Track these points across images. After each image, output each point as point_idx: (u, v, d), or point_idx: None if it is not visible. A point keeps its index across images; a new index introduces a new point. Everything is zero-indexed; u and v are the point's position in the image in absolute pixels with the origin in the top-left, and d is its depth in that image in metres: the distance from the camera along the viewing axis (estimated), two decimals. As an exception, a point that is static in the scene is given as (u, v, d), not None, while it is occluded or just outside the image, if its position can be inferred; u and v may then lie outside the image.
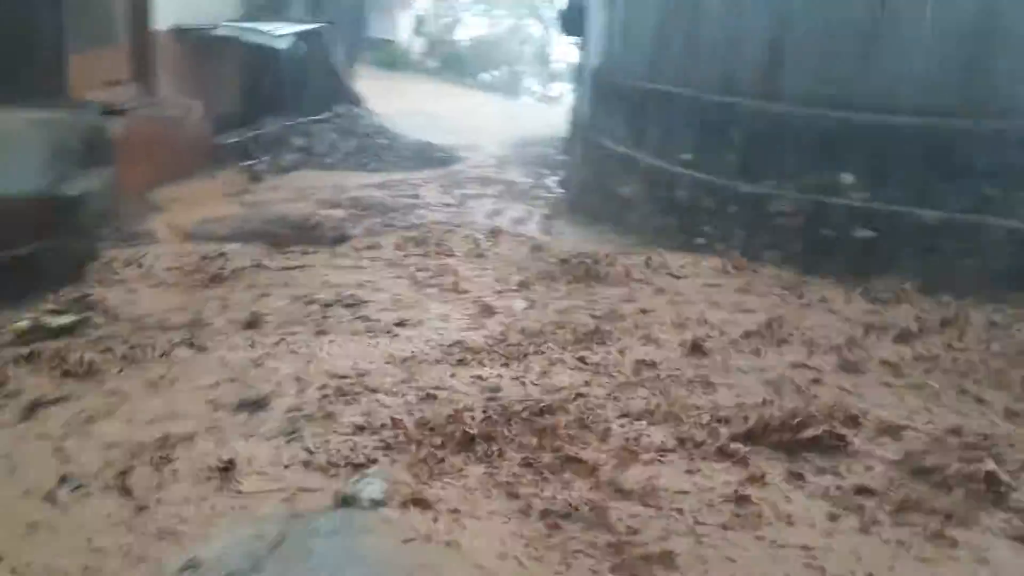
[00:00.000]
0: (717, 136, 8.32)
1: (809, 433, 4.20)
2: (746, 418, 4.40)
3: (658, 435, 4.27)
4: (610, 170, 9.79)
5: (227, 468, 3.81)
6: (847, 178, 7.58)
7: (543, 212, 10.55)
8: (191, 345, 5.39)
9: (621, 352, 5.44)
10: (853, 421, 4.48)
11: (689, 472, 3.93)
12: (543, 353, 5.43)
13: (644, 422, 4.42)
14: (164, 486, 3.65)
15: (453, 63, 31.71)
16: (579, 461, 3.96)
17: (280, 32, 12.28)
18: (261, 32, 12.03)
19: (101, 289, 6.62)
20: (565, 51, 36.83)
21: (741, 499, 3.67)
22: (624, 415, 4.50)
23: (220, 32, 11.77)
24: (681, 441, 4.22)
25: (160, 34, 10.44)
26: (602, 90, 10.52)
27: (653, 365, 5.23)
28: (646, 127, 9.27)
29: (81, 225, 7.56)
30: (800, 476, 3.94)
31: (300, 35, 13.65)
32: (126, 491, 3.58)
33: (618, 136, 9.81)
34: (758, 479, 3.87)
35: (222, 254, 7.66)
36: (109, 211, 8.14)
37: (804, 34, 7.75)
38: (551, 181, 12.91)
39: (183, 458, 3.89)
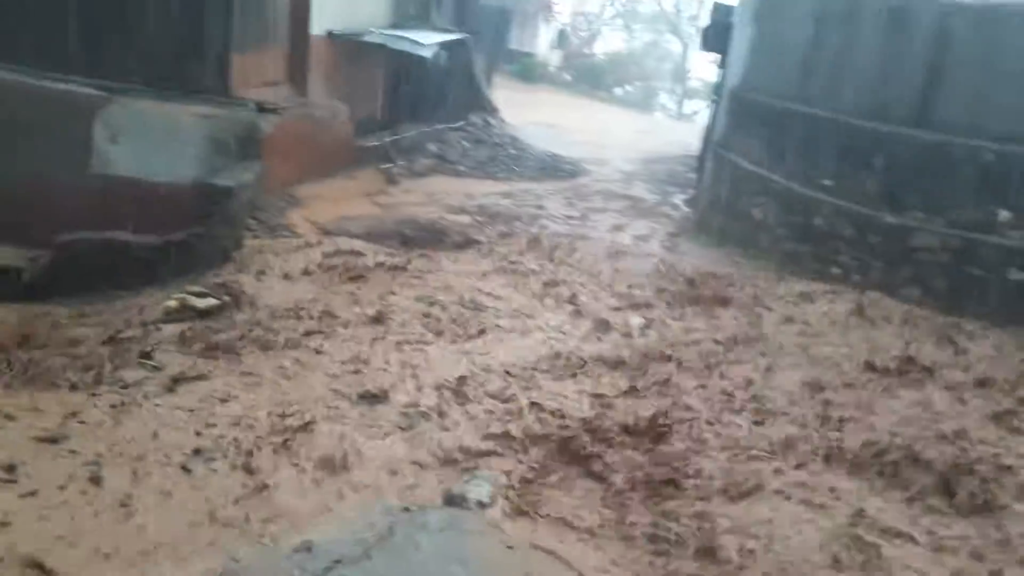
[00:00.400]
0: (861, 162, 7.92)
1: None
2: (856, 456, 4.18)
3: (768, 467, 4.09)
4: (742, 190, 9.51)
5: (344, 457, 3.97)
6: (1004, 215, 7.03)
7: (668, 230, 10.38)
8: (320, 335, 5.65)
9: (742, 380, 5.26)
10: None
11: (806, 504, 3.75)
12: (658, 373, 5.33)
13: (762, 454, 4.25)
14: (285, 468, 3.84)
15: (588, 76, 31.82)
16: (690, 486, 3.86)
17: (425, 40, 12.71)
18: (407, 40, 12.49)
19: (243, 276, 7.05)
20: (703, 68, 36.33)
21: (856, 539, 3.48)
22: (740, 446, 4.35)
23: (369, 38, 12.31)
24: (799, 467, 4.04)
25: (314, 38, 11.04)
26: (740, 109, 10.25)
27: (772, 398, 5.02)
28: (785, 149, 8.95)
29: (230, 215, 8.10)
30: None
31: (444, 44, 14.08)
32: (250, 470, 3.78)
33: (753, 156, 9.52)
34: (866, 516, 3.66)
35: (355, 251, 8.00)
36: (256, 203, 8.68)
37: (963, 62, 7.27)
38: (678, 199, 12.69)
39: (304, 443, 4.07)
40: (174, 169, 8.56)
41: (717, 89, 12.58)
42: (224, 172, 8.47)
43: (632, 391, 5.00)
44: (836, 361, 5.70)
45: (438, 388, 4.85)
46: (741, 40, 10.62)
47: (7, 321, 6.97)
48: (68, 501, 3.36)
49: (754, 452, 4.25)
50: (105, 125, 8.51)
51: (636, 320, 6.49)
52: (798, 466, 4.11)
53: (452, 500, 3.60)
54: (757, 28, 9.98)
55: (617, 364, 5.48)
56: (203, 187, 8.23)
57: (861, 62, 8.14)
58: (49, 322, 6.73)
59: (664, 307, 6.86)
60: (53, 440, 3.85)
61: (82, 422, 4.12)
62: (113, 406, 4.36)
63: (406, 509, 3.54)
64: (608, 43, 40.28)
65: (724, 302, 6.97)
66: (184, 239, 7.93)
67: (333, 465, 3.90)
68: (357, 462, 3.92)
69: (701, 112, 33.74)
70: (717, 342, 5.97)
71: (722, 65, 12.44)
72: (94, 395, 4.61)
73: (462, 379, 5.02)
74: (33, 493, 3.37)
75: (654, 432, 4.40)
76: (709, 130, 12.90)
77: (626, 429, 4.42)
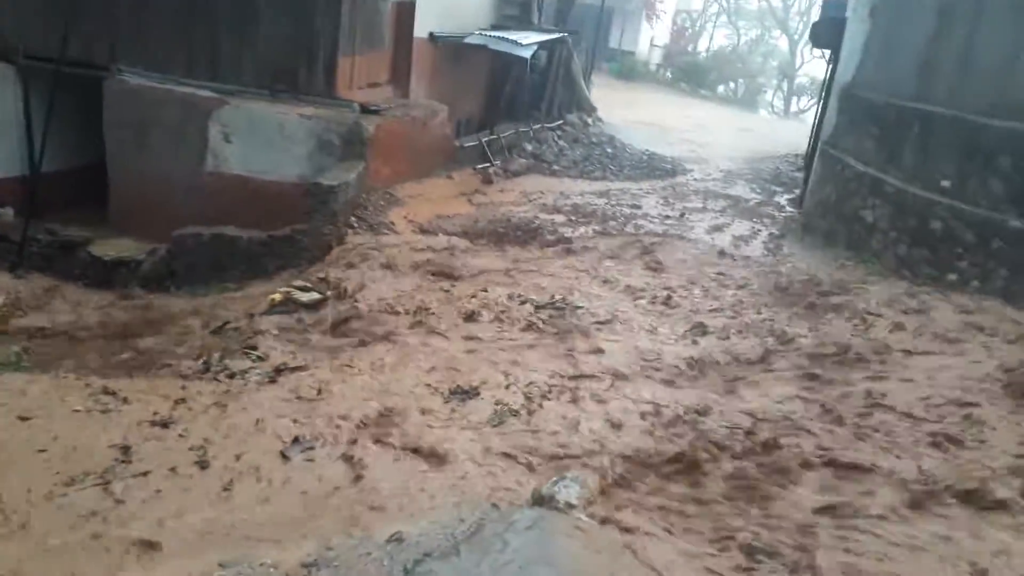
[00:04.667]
0: (985, 163, 7.39)
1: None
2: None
3: (888, 490, 3.84)
4: (852, 191, 9.06)
5: (436, 450, 4.01)
6: None
7: (771, 231, 10.01)
8: (415, 331, 5.75)
9: (848, 389, 4.99)
10: None
11: (908, 535, 3.49)
12: (758, 380, 5.14)
13: (871, 471, 4.01)
14: (379, 460, 3.91)
15: (690, 74, 31.16)
16: (788, 499, 3.69)
17: (525, 41, 12.74)
18: (508, 41, 12.56)
19: (344, 272, 7.25)
20: (811, 65, 34.97)
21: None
22: (839, 463, 4.07)
23: (470, 40, 12.46)
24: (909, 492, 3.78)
25: (417, 41, 11.26)
26: (852, 106, 9.78)
27: (889, 407, 4.69)
28: (900, 148, 8.47)
29: (333, 212, 8.37)
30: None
31: (543, 44, 14.09)
32: (346, 460, 3.87)
33: (865, 156, 9.06)
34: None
35: (450, 249, 8.10)
36: (357, 201, 8.93)
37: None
38: (783, 199, 12.23)
39: (398, 435, 4.14)
40: (281, 167, 8.94)
41: (826, 86, 12.05)
42: (328, 171, 8.77)
43: (730, 396, 4.83)
44: (962, 374, 5.32)
45: (528, 387, 4.83)
46: (855, 35, 10.12)
47: (128, 310, 7.44)
48: (176, 483, 3.53)
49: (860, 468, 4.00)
50: (219, 125, 8.97)
51: (735, 323, 6.28)
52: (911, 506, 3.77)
53: (541, 500, 3.56)
54: (873, 23, 9.48)
55: (714, 368, 5.31)
56: (308, 185, 8.54)
57: (988, 57, 7.60)
58: (164, 312, 7.13)
59: (765, 310, 6.61)
60: (164, 424, 4.06)
61: (191, 408, 4.33)
62: (219, 393, 4.56)
63: (495, 506, 3.53)
64: (712, 40, 39.36)
65: (831, 307, 6.66)
66: (289, 235, 8.26)
67: (425, 458, 3.95)
68: (448, 456, 3.95)
69: (809, 110, 32.54)
70: (822, 348, 5.70)
71: (832, 61, 11.90)
72: (202, 382, 4.84)
73: (553, 378, 5.00)
74: (145, 474, 3.55)
75: (753, 440, 4.23)
76: (817, 128, 12.37)
77: (724, 437, 4.27)
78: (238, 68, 9.35)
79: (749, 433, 4.32)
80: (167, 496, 3.41)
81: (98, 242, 8.76)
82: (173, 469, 3.62)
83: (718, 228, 9.90)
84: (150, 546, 3.05)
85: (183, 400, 4.45)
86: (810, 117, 16.54)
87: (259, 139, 8.90)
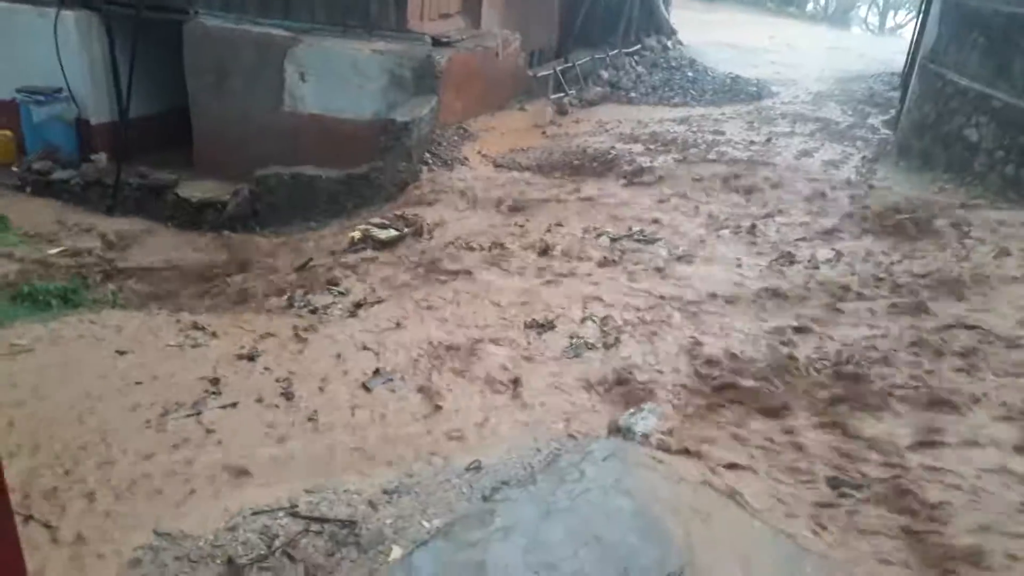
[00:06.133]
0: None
1: None
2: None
3: (968, 425, 3.64)
4: (954, 109, 8.44)
5: (514, 381, 4.02)
6: None
7: (864, 154, 9.48)
8: (491, 266, 5.73)
9: (950, 319, 4.70)
10: None
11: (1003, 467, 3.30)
12: (847, 310, 4.92)
13: (958, 405, 3.79)
14: (457, 391, 3.94)
15: (776, -8, 29.41)
16: (876, 431, 3.55)
17: (599, -37, 12.26)
18: (581, -37, 12.12)
19: (420, 208, 7.27)
20: (911, -26, 32.40)
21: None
22: (940, 400, 3.84)
23: (541, -35, 12.07)
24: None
25: (487, -32, 10.96)
26: (955, 16, 9.03)
27: (988, 340, 4.41)
28: (1009, 59, 7.79)
29: (408, 149, 8.36)
30: None
31: (618, -35, 13.52)
32: (425, 391, 3.92)
33: (969, 70, 8.39)
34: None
35: (525, 183, 8.00)
36: (431, 137, 8.88)
37: None
38: (876, 120, 11.53)
39: (475, 368, 4.16)
40: (356, 105, 8.95)
41: (927, -5, 11.15)
42: (402, 107, 8.73)
43: (817, 328, 4.65)
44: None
45: (605, 319, 4.77)
46: (960, -65, 9.28)
47: (217, 249, 7.69)
48: (263, 414, 3.65)
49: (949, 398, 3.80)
50: (295, 65, 9.02)
51: (824, 253, 6.01)
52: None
53: (618, 431, 3.54)
54: (980, -82, 8.66)
55: (800, 299, 5.11)
56: (383, 122, 8.54)
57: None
58: (250, 251, 7.34)
59: (857, 238, 6.30)
60: (251, 357, 4.20)
61: (276, 341, 4.46)
62: (302, 328, 4.67)
63: (571, 436, 3.53)
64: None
65: (928, 232, 6.29)
66: (365, 173, 8.32)
67: (502, 390, 3.97)
68: (525, 389, 3.96)
69: (906, 25, 30.33)
70: (917, 277, 5.40)
71: (934, -33, 10.99)
72: (286, 317, 4.97)
73: (630, 311, 4.91)
74: (234, 405, 3.69)
75: (839, 373, 4.07)
76: (916, 43, 11.53)
77: (810, 369, 4.12)
78: (310, 5, 9.32)
79: (837, 364, 4.16)
80: (255, 426, 3.53)
81: (184, 184, 9.04)
82: (260, 400, 3.75)
83: (807, 153, 9.44)
84: (240, 472, 3.17)
85: (269, 334, 4.58)
86: (908, 33, 15.37)
87: (333, 77, 8.92)
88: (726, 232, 6.53)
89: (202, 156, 9.48)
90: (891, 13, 34.47)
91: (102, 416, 3.51)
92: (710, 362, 4.24)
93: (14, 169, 9.22)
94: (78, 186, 9.01)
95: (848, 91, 13.86)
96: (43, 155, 9.27)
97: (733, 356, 4.29)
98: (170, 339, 4.46)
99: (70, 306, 5.01)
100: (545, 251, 6.03)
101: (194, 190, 8.92)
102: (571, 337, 4.56)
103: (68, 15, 9.22)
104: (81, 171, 9.14)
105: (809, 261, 5.80)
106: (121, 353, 4.20)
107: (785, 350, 4.36)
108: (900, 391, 3.87)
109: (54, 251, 7.01)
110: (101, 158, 9.40)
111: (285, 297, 5.47)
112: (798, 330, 4.63)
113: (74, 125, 9.55)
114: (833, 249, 6.03)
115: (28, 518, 2.80)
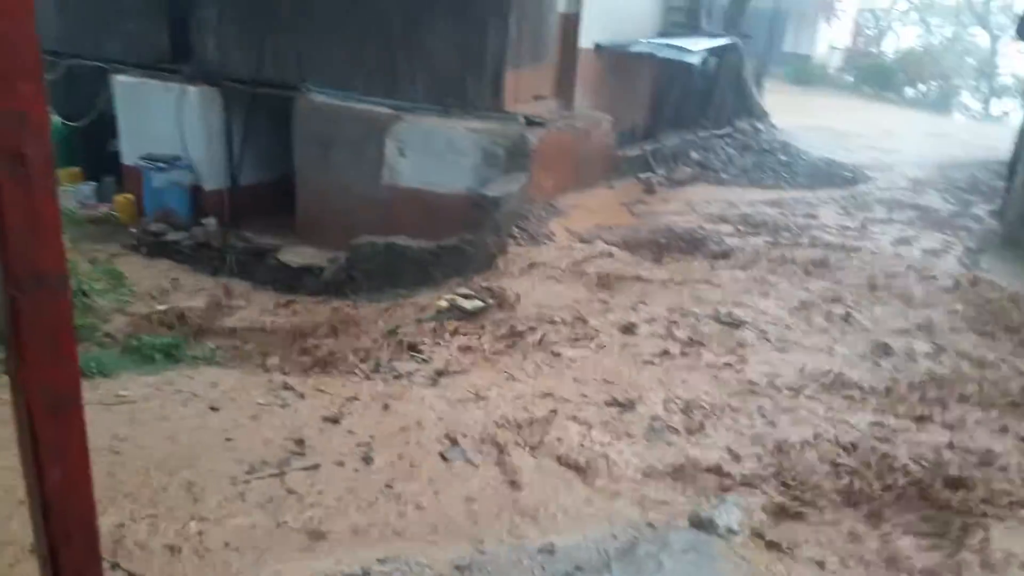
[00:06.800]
0: None
1: None
2: None
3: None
4: (1067, 201, 8.05)
5: (591, 462, 3.96)
6: None
7: (967, 245, 9.09)
8: (573, 341, 5.72)
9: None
10: None
11: None
12: (949, 409, 4.66)
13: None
14: (534, 467, 3.91)
15: (874, 77, 29.09)
16: (979, 543, 3.30)
17: (692, 47, 12.44)
18: (674, 47, 12.31)
19: (506, 281, 7.37)
20: (1015, 62, 31.60)
21: None
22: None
23: (636, 48, 12.34)
24: None
25: (582, 51, 11.30)
26: (1067, 105, 8.71)
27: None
28: None
29: (497, 223, 8.55)
30: None
31: (712, 50, 13.69)
32: (502, 465, 3.91)
33: (1083, 161, 8.03)
34: None
35: (610, 260, 8.02)
36: (520, 212, 9.07)
37: None
38: (980, 210, 11.08)
39: (553, 444, 4.13)
40: (449, 180, 9.26)
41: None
42: (493, 182, 8.99)
43: (915, 424, 4.41)
44: None
45: (688, 402, 4.66)
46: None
47: (310, 313, 7.98)
48: (343, 477, 3.71)
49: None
50: (395, 140, 9.45)
51: (921, 346, 5.74)
52: None
53: (699, 522, 3.42)
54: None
55: (896, 393, 4.88)
56: (474, 197, 8.79)
57: None
58: (341, 315, 7.58)
59: (959, 332, 6.00)
60: (335, 420, 4.29)
61: (359, 405, 4.55)
62: (385, 393, 4.76)
63: (650, 525, 3.43)
64: (899, 40, 36.59)
65: (1038, 330, 5.94)
66: (455, 244, 8.53)
67: (579, 469, 3.91)
68: (603, 469, 3.89)
69: (1013, 112, 29.37)
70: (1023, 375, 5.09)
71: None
72: (371, 381, 5.08)
73: (715, 395, 4.79)
74: (316, 467, 3.77)
75: (939, 477, 3.83)
76: (1023, 130, 11.14)
77: (907, 470, 3.90)
78: (412, 84, 9.81)
79: (937, 466, 3.92)
80: (334, 489, 3.59)
81: (286, 249, 9.49)
82: (340, 463, 3.81)
83: (905, 240, 9.13)
84: (317, 535, 3.22)
85: (354, 397, 4.68)
86: (1014, 119, 14.91)
87: (430, 153, 9.28)
88: (818, 319, 6.34)
89: (304, 223, 9.96)
90: (995, 100, 33.52)
91: (192, 470, 3.65)
92: (799, 455, 4.07)
93: (132, 230, 9.92)
94: (188, 248, 9.60)
95: (949, 178, 13.43)
96: (159, 217, 9.94)
97: (824, 450, 4.11)
98: (260, 398, 4.61)
99: (172, 361, 5.28)
100: (629, 329, 5.99)
101: (294, 255, 9.34)
102: (652, 419, 4.47)
103: (192, 90, 10.01)
104: (192, 234, 9.75)
105: (906, 354, 5.56)
106: (214, 409, 4.37)
107: (882, 447, 4.15)
108: (1008, 499, 3.62)
109: (162, 308, 7.43)
110: (211, 222, 10.00)
111: (372, 362, 5.60)
112: (894, 428, 4.41)
113: (189, 191, 10.24)
114: (933, 343, 5.76)
115: (115, 566, 2.91)
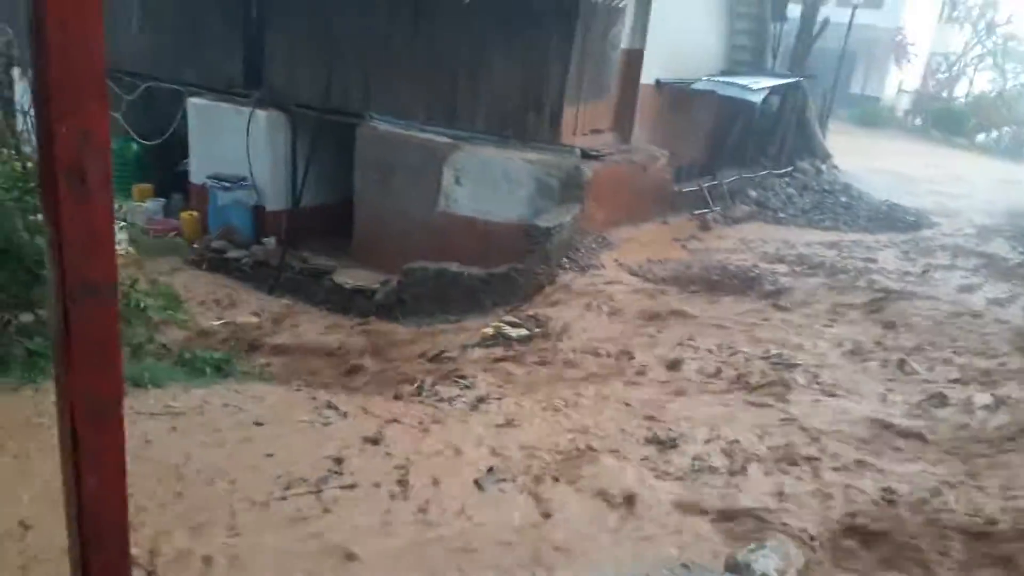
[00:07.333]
0: None
1: None
2: None
3: None
4: None
5: (627, 498, 3.91)
6: None
7: (1036, 298, 8.75)
8: (617, 375, 5.69)
9: None
10: None
11: None
12: (1007, 464, 4.46)
13: None
14: (569, 499, 3.88)
15: (944, 122, 28.37)
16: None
17: (755, 86, 12.37)
18: (736, 86, 12.27)
19: (553, 310, 7.38)
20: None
21: None
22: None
23: (697, 85, 12.33)
24: None
25: (643, 86, 11.34)
26: None
27: None
28: None
29: (548, 253, 8.59)
30: None
31: (775, 89, 13.59)
32: (537, 496, 3.88)
33: None
34: None
35: (661, 294, 7.96)
36: (571, 243, 9.09)
37: None
38: (1053, 261, 10.66)
39: (590, 478, 4.09)
40: (503, 209, 9.36)
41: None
42: (546, 213, 9.05)
43: (966, 481, 4.24)
44: None
45: (733, 444, 4.57)
46: None
47: (360, 334, 8.11)
48: (379, 499, 3.74)
49: None
50: (452, 169, 9.61)
51: (981, 397, 5.52)
52: None
53: (736, 567, 3.33)
54: None
55: (951, 446, 4.70)
56: (527, 226, 8.86)
57: None
58: (391, 338, 7.69)
59: (1022, 384, 5.76)
60: (375, 441, 4.34)
61: (399, 428, 4.59)
62: (427, 417, 4.80)
63: (685, 566, 3.36)
64: (972, 84, 35.65)
65: (1109, 387, 5.66)
66: (506, 272, 8.60)
67: (616, 504, 3.86)
68: (639, 506, 3.83)
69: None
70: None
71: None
72: (413, 404, 5.13)
73: (761, 437, 4.69)
74: (352, 487, 3.81)
75: (994, 535, 3.67)
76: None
77: (958, 524, 3.75)
78: (472, 115, 9.97)
79: (991, 523, 3.75)
80: (369, 510, 3.62)
81: (341, 271, 9.70)
82: (377, 485, 3.84)
83: (968, 288, 8.84)
84: (349, 556, 3.24)
85: (395, 419, 4.73)
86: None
87: (486, 182, 9.41)
88: (872, 364, 6.17)
89: (360, 246, 10.17)
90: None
91: (231, 482, 3.72)
92: (844, 503, 3.95)
93: (195, 245, 10.27)
94: (247, 265, 9.89)
95: (1019, 227, 12.96)
96: (222, 235, 10.28)
97: (871, 500, 3.98)
98: (304, 415, 4.69)
99: (222, 375, 5.41)
100: (675, 365, 5.93)
101: (348, 277, 9.54)
102: (694, 459, 4.40)
103: (261, 114, 10.37)
104: (251, 252, 10.05)
105: (964, 405, 5.35)
106: (258, 424, 4.46)
107: (934, 501, 4.00)
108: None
109: (216, 322, 7.65)
110: (271, 242, 10.29)
111: (415, 385, 5.66)
112: (950, 480, 4.24)
113: (252, 210, 10.57)
114: (992, 395, 5.53)
115: (150, 573, 2.98)
